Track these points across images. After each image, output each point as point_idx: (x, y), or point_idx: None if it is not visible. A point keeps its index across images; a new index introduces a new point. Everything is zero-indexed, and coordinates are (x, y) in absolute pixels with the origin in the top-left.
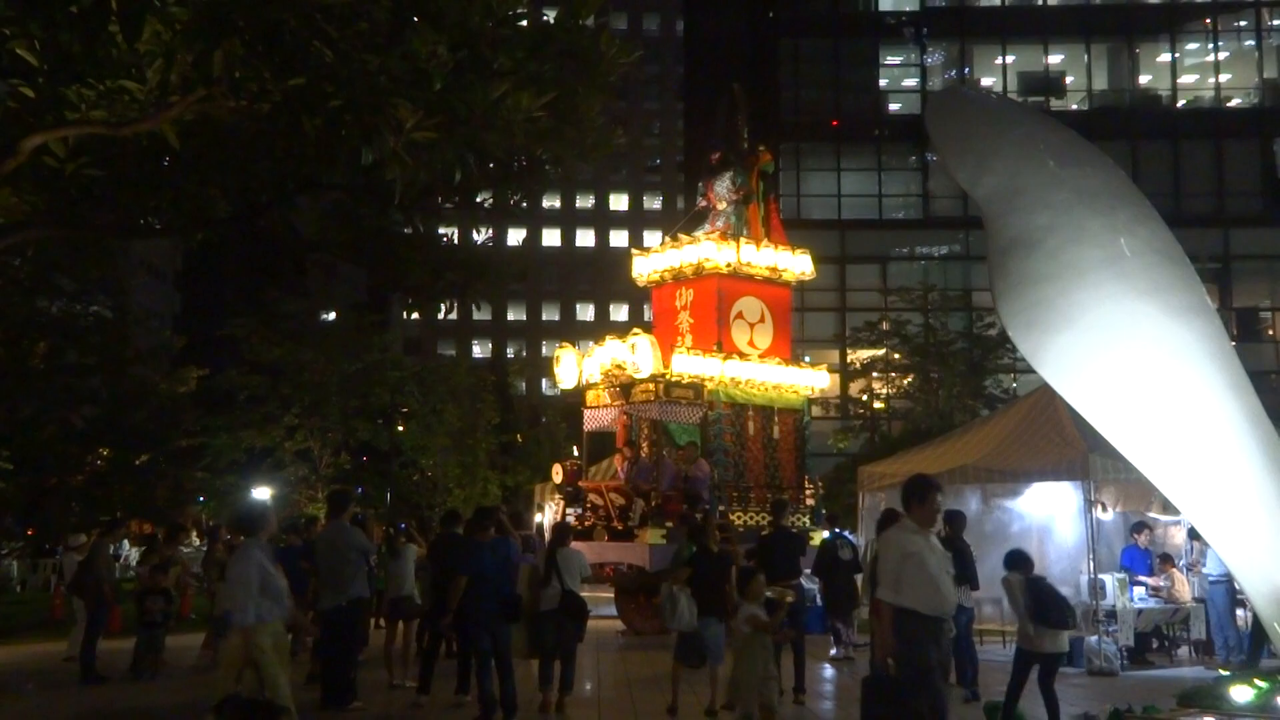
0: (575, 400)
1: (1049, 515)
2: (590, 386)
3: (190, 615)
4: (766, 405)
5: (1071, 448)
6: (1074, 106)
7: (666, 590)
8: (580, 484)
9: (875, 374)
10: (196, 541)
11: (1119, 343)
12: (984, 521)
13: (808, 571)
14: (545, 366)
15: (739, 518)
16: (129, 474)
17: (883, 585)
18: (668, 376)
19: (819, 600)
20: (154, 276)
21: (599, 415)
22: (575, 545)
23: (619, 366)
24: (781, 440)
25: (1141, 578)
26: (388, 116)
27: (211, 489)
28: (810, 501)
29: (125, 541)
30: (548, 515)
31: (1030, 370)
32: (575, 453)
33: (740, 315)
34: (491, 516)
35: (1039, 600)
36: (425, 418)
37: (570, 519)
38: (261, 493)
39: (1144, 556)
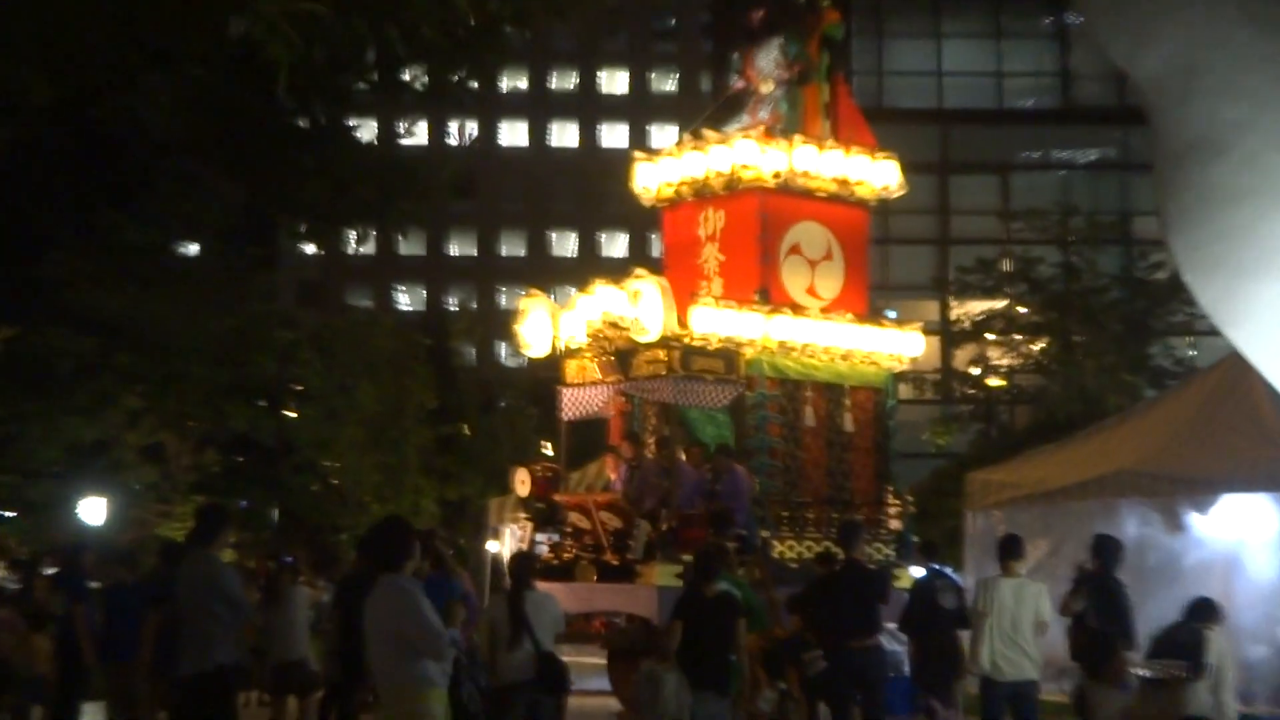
0: (549, 375)
1: (1237, 542)
2: (572, 354)
3: None
4: (832, 383)
5: (1273, 445)
6: None
7: (645, 671)
8: (556, 498)
9: (992, 337)
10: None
11: None
12: (1145, 552)
13: (891, 626)
14: (505, 325)
15: (790, 547)
16: None
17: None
18: (686, 340)
19: (906, 668)
20: None
21: (584, 397)
22: (545, 587)
23: (614, 325)
24: (855, 435)
25: None
26: None
27: (23, 501)
28: (895, 524)
29: None
30: (507, 543)
31: (1215, 331)
32: (548, 452)
33: (795, 250)
34: (426, 545)
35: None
36: (329, 399)
37: (540, 548)
38: (92, 507)
39: None
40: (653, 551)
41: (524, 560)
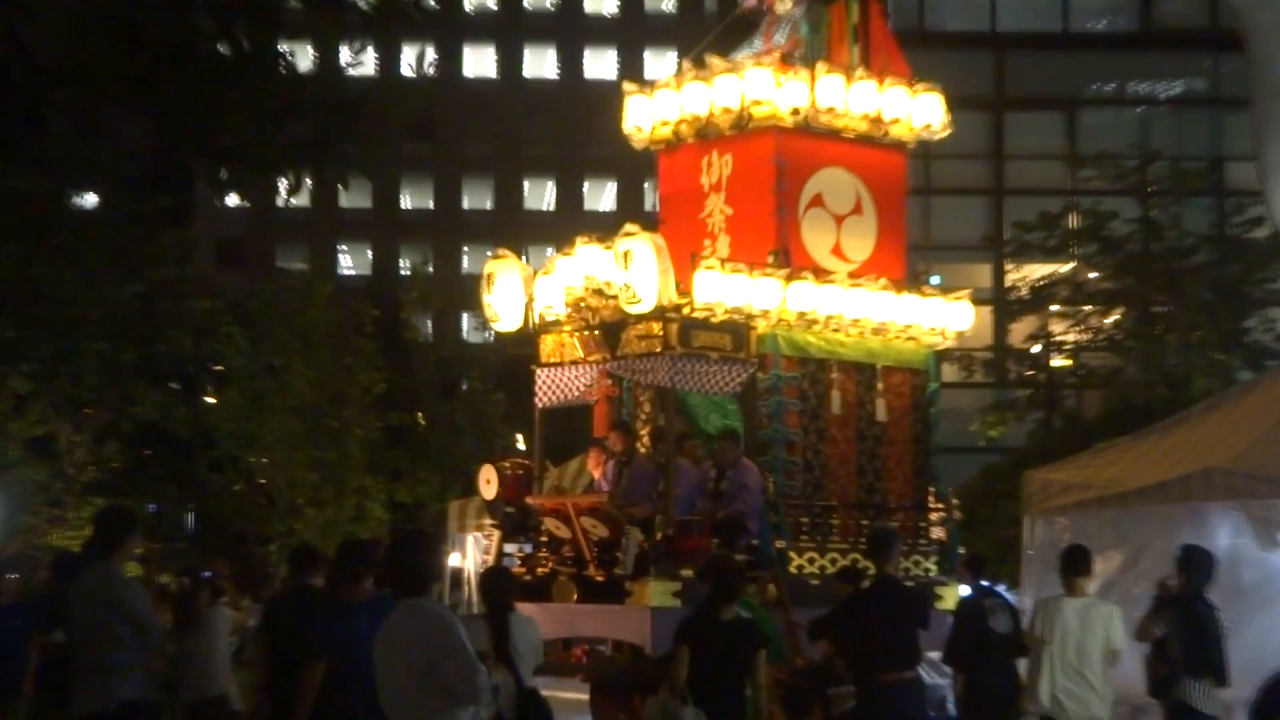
0: (521, 353)
1: None
2: (549, 328)
3: None
4: (863, 363)
5: None
6: None
7: (658, 706)
8: (529, 501)
9: (1055, 307)
10: None
11: None
12: (1239, 568)
13: (933, 656)
14: (468, 292)
15: (810, 560)
16: None
17: None
18: (686, 310)
19: (951, 706)
20: None
21: (563, 380)
22: (522, 608)
23: (599, 293)
24: (890, 426)
25: None
26: None
27: None
28: (938, 533)
29: None
30: (471, 555)
31: None
32: (520, 446)
33: (818, 202)
34: (369, 558)
35: None
36: (256, 382)
37: (510, 561)
38: None
39: None
40: (645, 565)
41: (502, 578)
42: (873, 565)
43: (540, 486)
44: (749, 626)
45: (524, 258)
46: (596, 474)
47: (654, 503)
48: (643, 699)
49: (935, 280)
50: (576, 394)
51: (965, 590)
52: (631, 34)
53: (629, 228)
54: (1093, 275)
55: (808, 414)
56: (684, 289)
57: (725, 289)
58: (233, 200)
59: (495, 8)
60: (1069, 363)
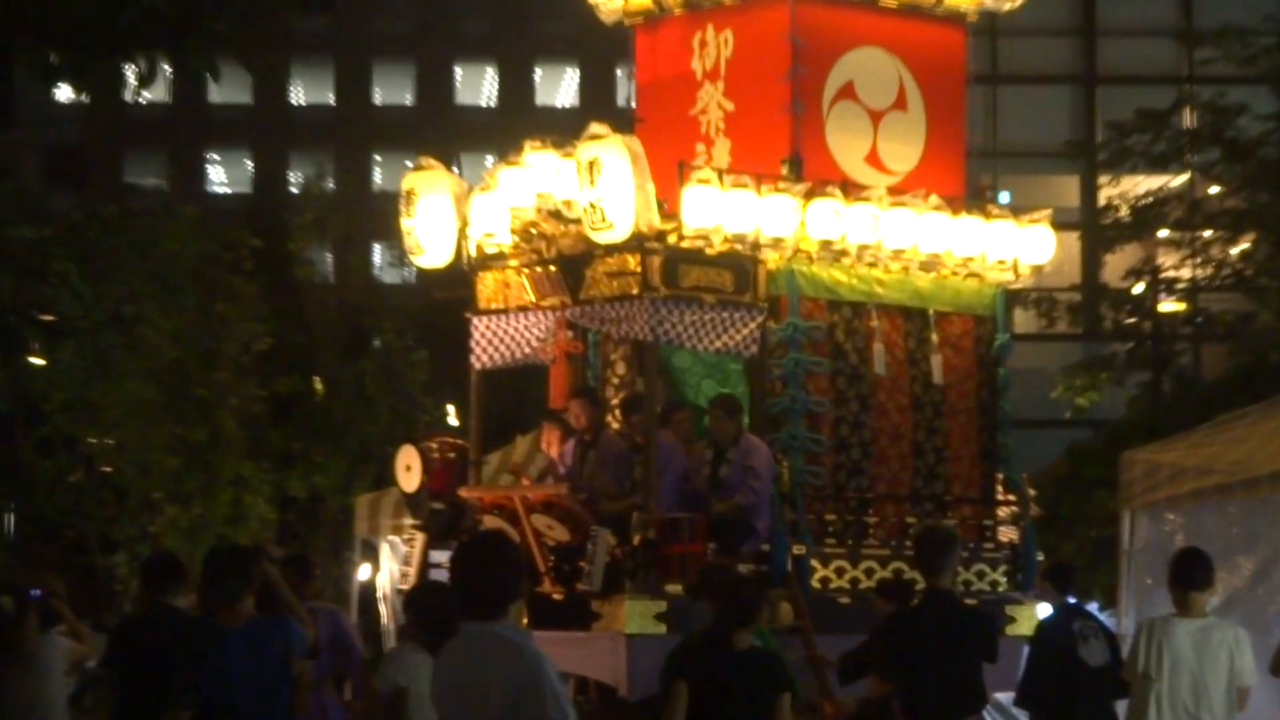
0: (453, 297)
1: None
2: (488, 263)
3: None
4: (910, 308)
5: None
6: None
7: None
8: (464, 494)
9: (1164, 234)
10: None
11: None
12: None
13: (1003, 699)
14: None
15: (841, 572)
16: None
17: None
18: (673, 238)
19: None
20: None
21: (509, 332)
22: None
23: (556, 215)
24: (947, 391)
25: None
26: None
27: None
28: (1010, 535)
29: None
30: (386, 567)
31: None
32: (451, 420)
33: (848, 93)
34: (250, 569)
35: None
36: (98, 336)
37: (440, 573)
38: None
39: None
40: (619, 578)
41: (439, 596)
42: (921, 577)
43: (478, 475)
44: (772, 662)
45: (456, 169)
46: (553, 456)
47: (630, 494)
48: None
49: (1004, 198)
50: (526, 351)
51: (1046, 610)
52: None
53: (595, 129)
54: (1214, 191)
55: (838, 376)
56: (669, 210)
57: (724, 210)
58: (66, 95)
59: None
60: (1182, 307)
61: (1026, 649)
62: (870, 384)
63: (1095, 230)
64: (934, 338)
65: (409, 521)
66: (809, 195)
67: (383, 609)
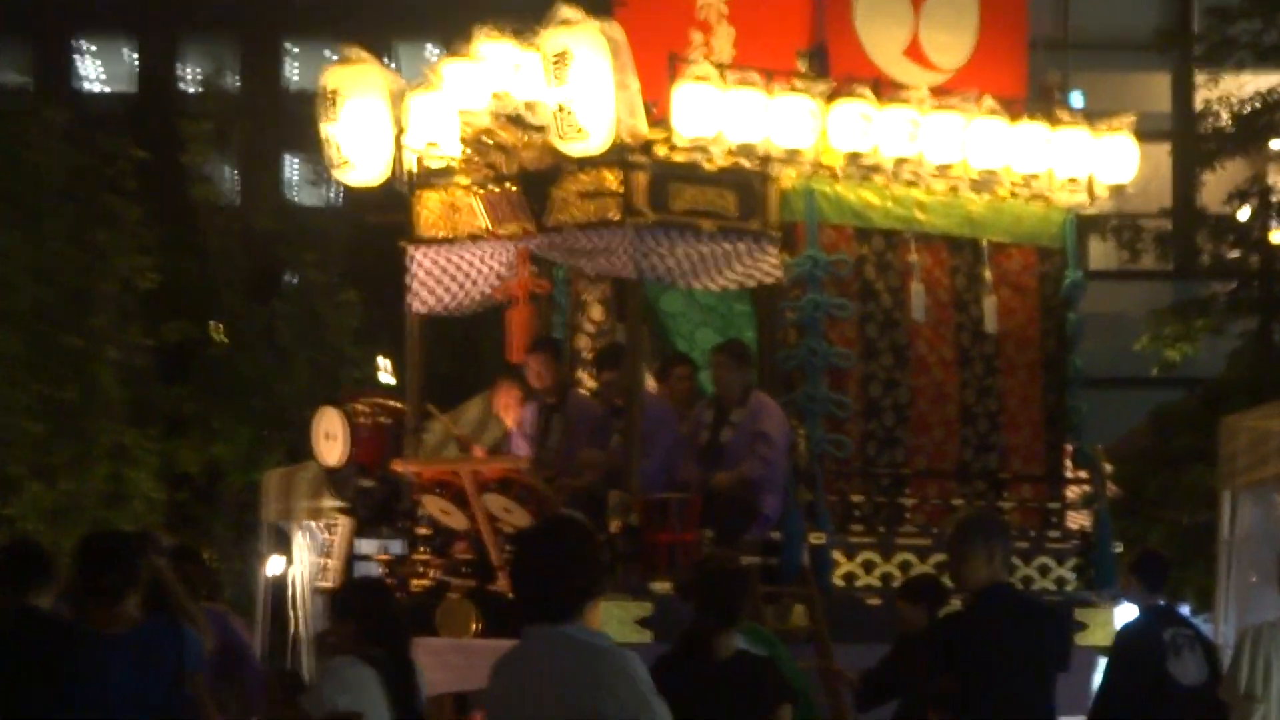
0: (387, 222)
1: None
2: (431, 180)
3: None
4: (959, 237)
5: None
6: None
7: None
8: (399, 468)
9: (1276, 147)
10: None
11: None
12: None
13: None
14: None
15: (869, 567)
16: None
17: None
18: (663, 150)
19: None
20: None
21: (456, 267)
22: None
23: (516, 121)
24: (1005, 342)
25: None
26: None
27: None
28: (1080, 520)
29: None
30: (301, 559)
31: None
32: (385, 378)
33: None
34: (135, 562)
35: None
36: None
37: (368, 569)
38: None
39: None
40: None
41: (385, 597)
42: (957, 573)
43: (417, 445)
44: (762, 669)
45: (390, 62)
46: (510, 423)
47: (605, 471)
48: None
49: (1077, 100)
50: (479, 291)
51: (1128, 613)
52: None
53: (565, 12)
54: None
55: (867, 322)
56: (658, 115)
57: (726, 115)
58: None
59: None
60: None
61: (1104, 661)
62: (907, 332)
63: (1190, 142)
64: (988, 275)
65: (330, 503)
66: (832, 96)
67: (296, 612)
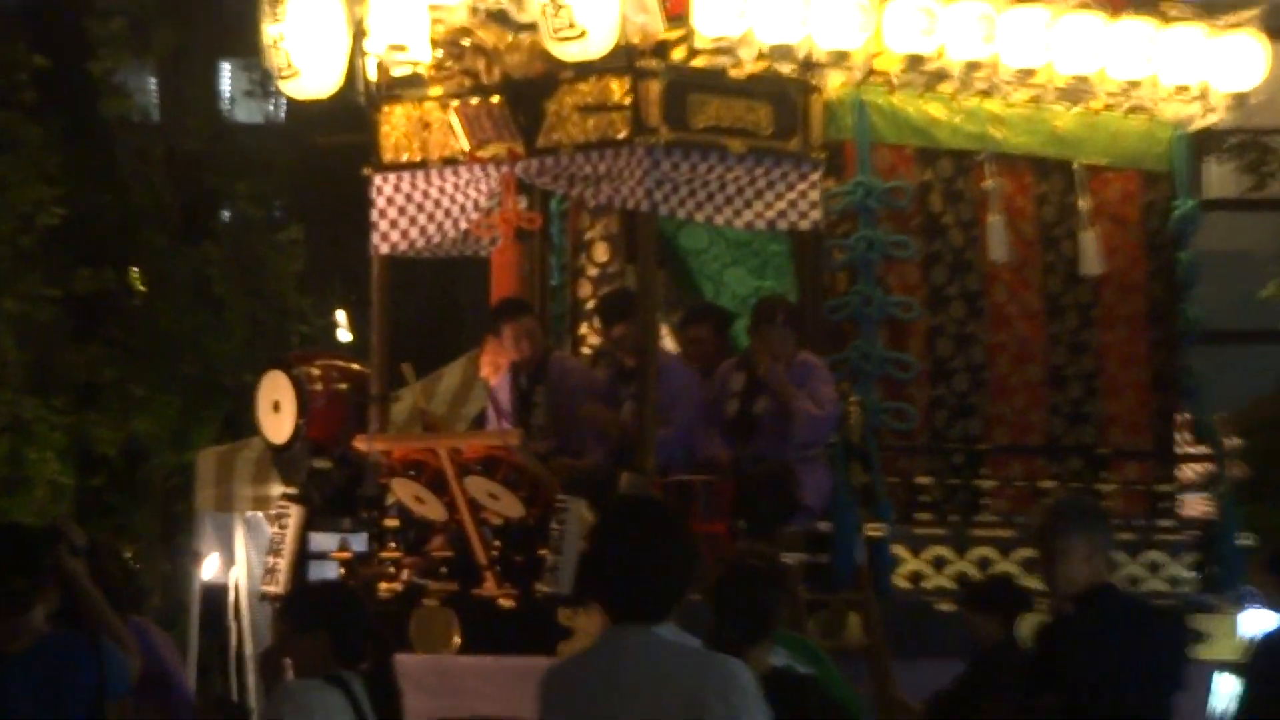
0: (343, 143)
1: None
2: (398, 91)
3: None
4: (1045, 159)
5: None
6: None
7: None
8: (360, 445)
9: None
10: None
11: None
12: None
13: None
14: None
15: (940, 564)
16: None
17: None
18: (680, 53)
19: None
20: None
21: (430, 196)
22: None
23: (498, 17)
24: (1103, 289)
25: None
26: None
27: None
28: (1200, 507)
29: None
30: (243, 554)
31: None
32: (342, 335)
33: None
34: (40, 563)
35: None
36: None
37: (327, 567)
38: None
39: None
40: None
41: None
42: (1049, 574)
43: (384, 417)
44: (804, 689)
45: None
46: (494, 383)
47: (612, 447)
48: None
49: None
50: (456, 228)
51: (1261, 620)
52: None
53: None
54: None
55: (933, 264)
56: (674, 9)
57: (758, 8)
58: None
59: None
60: None
61: (1221, 680)
62: (983, 276)
63: None
64: (1082, 205)
65: (279, 490)
66: None
67: (237, 623)
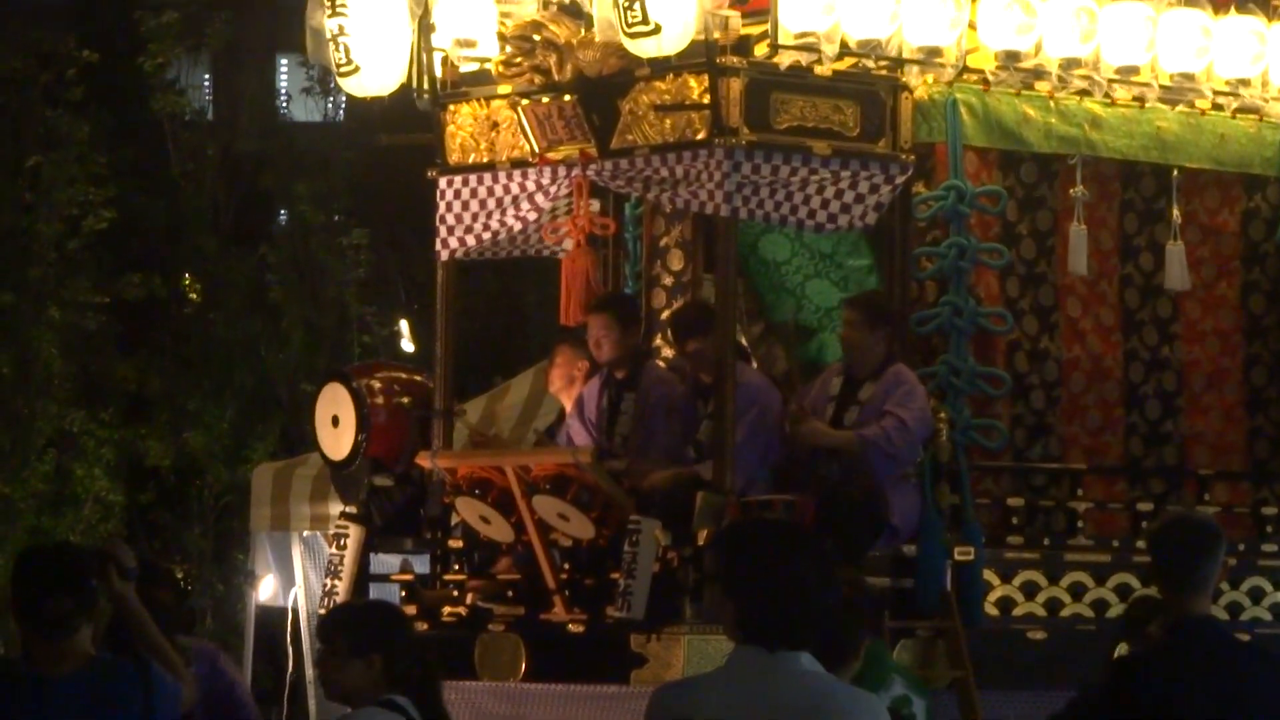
0: (406, 143)
1: None
2: (465, 90)
3: None
4: (1138, 164)
5: None
6: None
7: None
8: (426, 463)
9: None
10: None
11: None
12: None
13: None
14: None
15: (1031, 590)
16: None
17: None
18: (762, 50)
19: None
20: None
21: (497, 199)
22: None
23: (570, 11)
24: (1186, 302)
25: None
26: None
27: None
28: None
29: None
30: (302, 576)
31: None
32: (405, 344)
33: None
34: (88, 584)
35: None
36: None
37: (389, 590)
38: None
39: None
40: (675, 600)
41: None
42: (1178, 601)
43: (448, 433)
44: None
45: None
46: (568, 403)
47: (691, 463)
48: None
49: None
50: (523, 233)
51: None
52: None
53: None
54: None
55: (1006, 275)
56: (755, 3)
57: (845, 3)
58: None
59: None
60: None
61: None
62: (1057, 289)
63: None
64: (1175, 213)
65: (337, 508)
66: None
67: (295, 647)
